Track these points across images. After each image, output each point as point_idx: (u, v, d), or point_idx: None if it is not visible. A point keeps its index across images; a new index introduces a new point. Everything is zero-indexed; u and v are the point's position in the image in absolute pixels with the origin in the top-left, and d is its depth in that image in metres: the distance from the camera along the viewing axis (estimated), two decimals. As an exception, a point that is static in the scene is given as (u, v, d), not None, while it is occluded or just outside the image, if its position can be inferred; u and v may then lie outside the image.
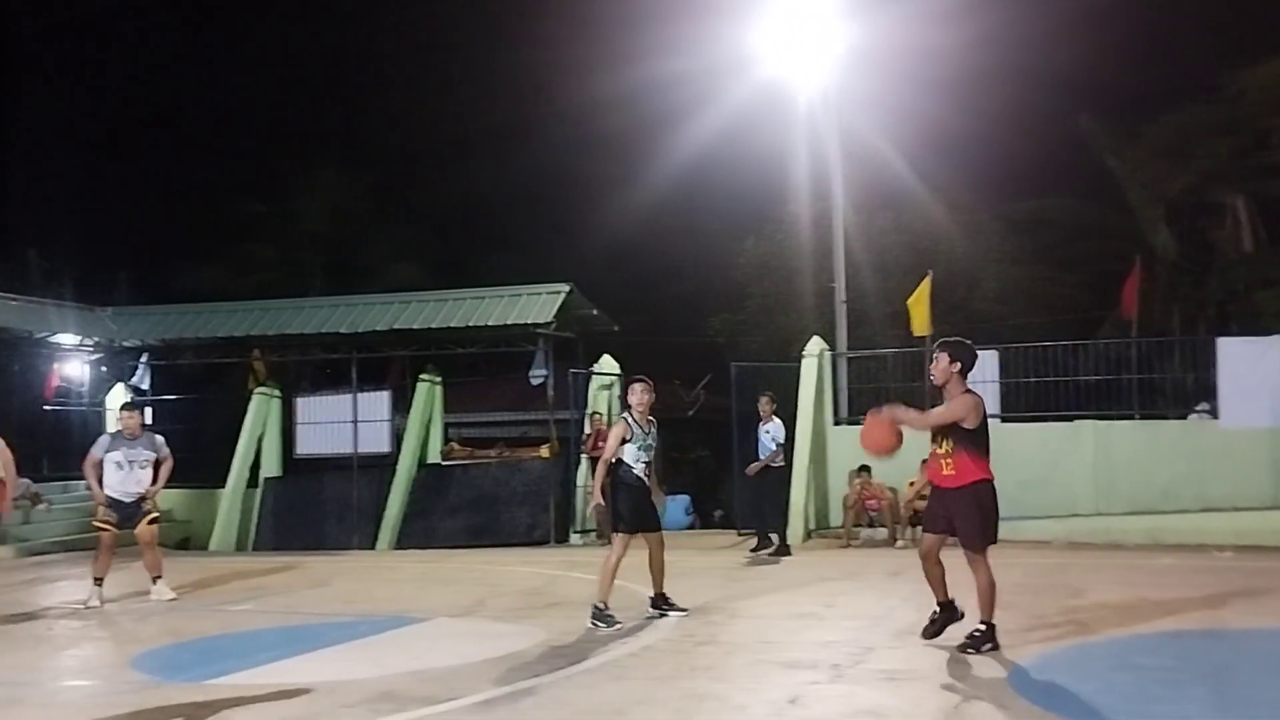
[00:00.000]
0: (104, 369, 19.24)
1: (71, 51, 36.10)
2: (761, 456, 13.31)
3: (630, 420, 8.72)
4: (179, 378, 20.26)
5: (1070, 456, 14.63)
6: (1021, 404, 15.58)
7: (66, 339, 18.23)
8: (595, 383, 17.33)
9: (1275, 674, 6.86)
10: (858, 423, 15.91)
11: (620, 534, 8.65)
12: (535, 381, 17.27)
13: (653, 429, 8.87)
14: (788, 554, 13.04)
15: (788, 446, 13.72)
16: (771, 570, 12.09)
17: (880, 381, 16.19)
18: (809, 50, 16.95)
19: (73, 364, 19.20)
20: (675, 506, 18.83)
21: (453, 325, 17.06)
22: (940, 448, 7.20)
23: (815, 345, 16.20)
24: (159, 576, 10.65)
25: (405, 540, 16.53)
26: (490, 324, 16.83)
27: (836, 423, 16.08)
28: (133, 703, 6.48)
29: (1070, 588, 9.94)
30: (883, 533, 14.36)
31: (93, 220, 28.83)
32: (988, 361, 15.57)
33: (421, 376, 18.34)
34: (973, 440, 7.12)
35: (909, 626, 6.97)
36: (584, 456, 16.41)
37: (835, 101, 17.54)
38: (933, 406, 7.51)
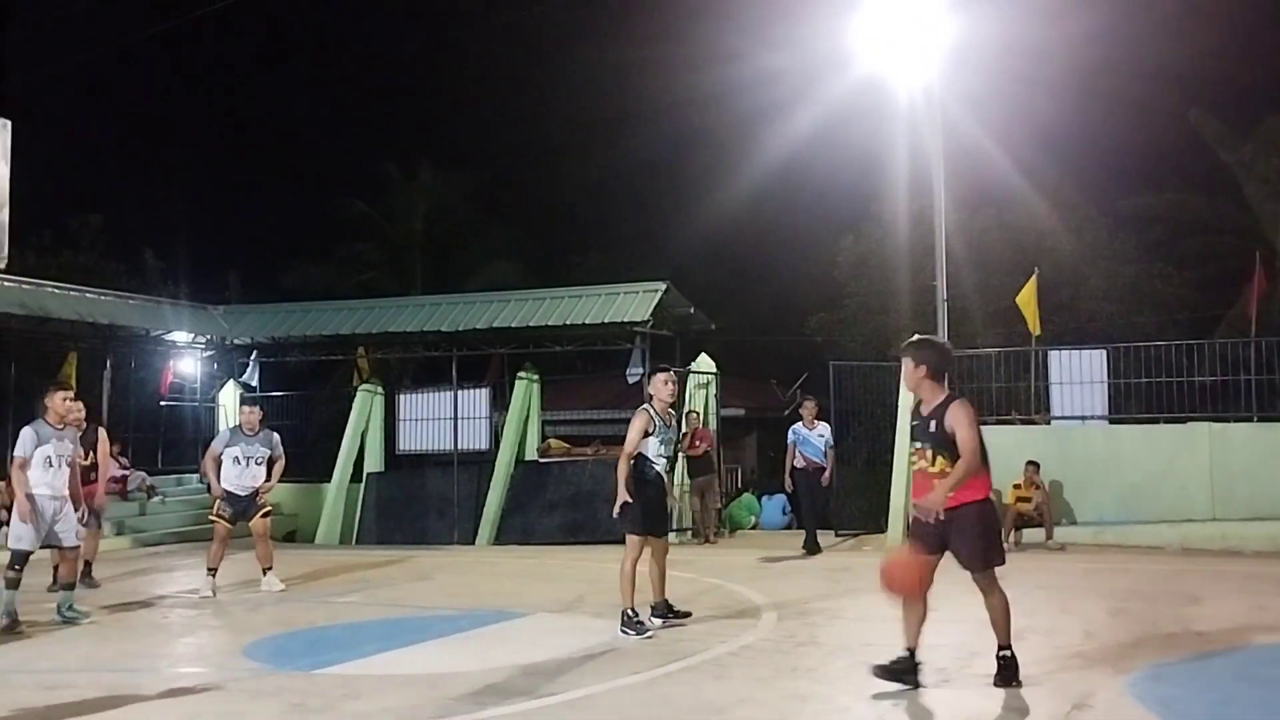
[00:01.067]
0: (216, 366, 19.83)
1: (182, 56, 37.35)
2: (812, 459, 13.76)
3: (652, 411, 8.22)
4: (286, 374, 20.78)
5: (1184, 459, 14.15)
6: (1132, 405, 15.14)
7: (180, 336, 18.82)
8: (692, 381, 17.32)
9: None
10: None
11: (633, 536, 8.15)
12: (632, 379, 17.30)
13: (674, 422, 8.48)
14: (818, 551, 13.44)
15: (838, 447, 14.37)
16: (872, 571, 11.92)
17: (982, 381, 15.85)
18: (911, 45, 16.66)
19: (186, 361, 19.82)
20: (773, 506, 18.72)
21: (550, 324, 17.20)
22: (933, 466, 6.20)
23: (916, 344, 15.93)
24: (269, 568, 10.96)
25: (504, 536, 16.71)
26: (587, 322, 16.92)
27: (938, 423, 15.79)
28: (247, 689, 6.67)
29: (1186, 595, 9.61)
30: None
31: (205, 221, 29.80)
32: (1095, 361, 15.18)
33: (519, 374, 18.54)
34: None
35: (1017, 631, 6.77)
36: (680, 455, 16.43)
37: (938, 97, 17.22)
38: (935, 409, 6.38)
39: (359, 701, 6.31)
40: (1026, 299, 16.20)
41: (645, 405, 8.36)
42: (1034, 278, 16.38)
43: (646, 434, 8.16)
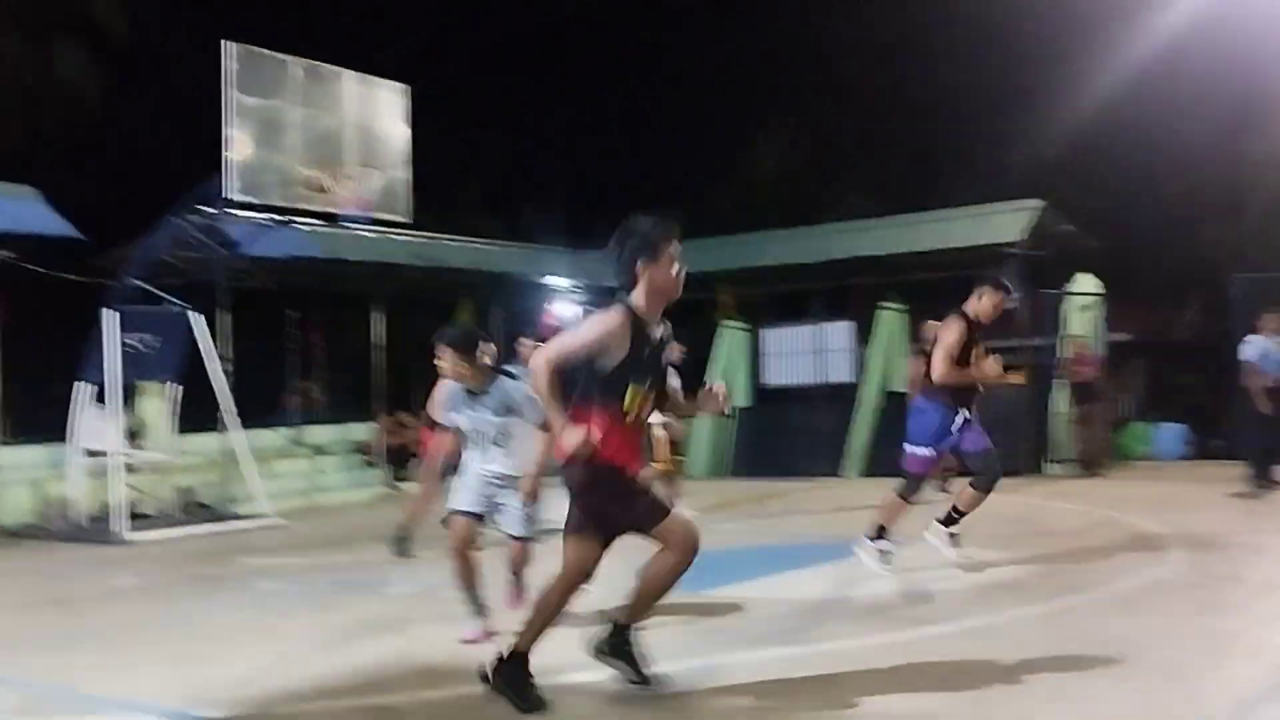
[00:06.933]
0: (591, 308, 20.74)
1: (549, 51, 39.27)
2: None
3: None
4: (656, 313, 21.41)
5: None
6: None
7: (557, 281, 19.81)
8: (1073, 303, 16.20)
9: None
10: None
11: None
12: (1005, 306, 16.41)
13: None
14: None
15: None
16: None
17: None
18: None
19: (561, 304, 20.85)
20: (1171, 436, 17.29)
21: (915, 250, 16.60)
22: None
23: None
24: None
25: (874, 468, 16.42)
26: (955, 246, 16.19)
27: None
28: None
29: None
30: None
31: (575, 177, 31.20)
32: None
33: (883, 304, 18.12)
34: None
35: None
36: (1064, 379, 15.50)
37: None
38: None
39: (743, 618, 6.42)
40: None
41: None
42: None
43: None
